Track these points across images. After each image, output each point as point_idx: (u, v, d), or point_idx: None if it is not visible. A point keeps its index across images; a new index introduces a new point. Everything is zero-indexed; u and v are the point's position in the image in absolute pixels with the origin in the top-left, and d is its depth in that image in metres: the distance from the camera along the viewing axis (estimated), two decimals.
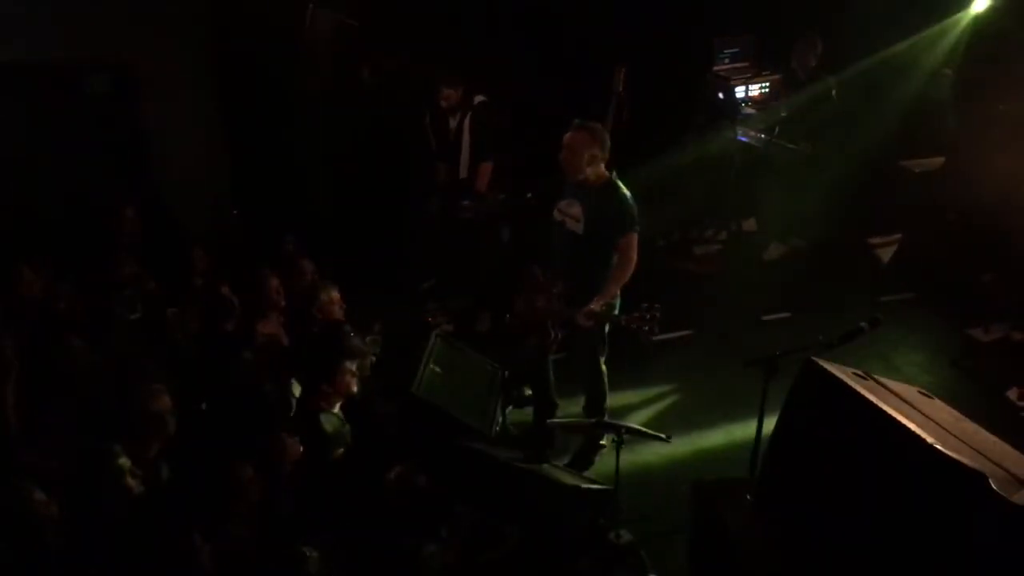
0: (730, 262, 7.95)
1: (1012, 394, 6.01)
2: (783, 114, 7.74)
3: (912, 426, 3.19)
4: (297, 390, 4.82)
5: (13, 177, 6.48)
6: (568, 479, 4.68)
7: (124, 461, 3.87)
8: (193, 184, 7.15)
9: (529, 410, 5.89)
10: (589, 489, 4.57)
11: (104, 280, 5.52)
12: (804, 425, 3.74)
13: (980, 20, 7.64)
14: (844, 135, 7.68)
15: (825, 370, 3.64)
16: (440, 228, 7.26)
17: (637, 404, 6.12)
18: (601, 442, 5.51)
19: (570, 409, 5.82)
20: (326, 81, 7.47)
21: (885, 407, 3.32)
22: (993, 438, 3.42)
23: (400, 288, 7.04)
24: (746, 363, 4.29)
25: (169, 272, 5.76)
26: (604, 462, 5.34)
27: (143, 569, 3.56)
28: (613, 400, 5.70)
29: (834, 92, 7.55)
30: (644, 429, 4.61)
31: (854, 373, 3.67)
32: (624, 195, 5.17)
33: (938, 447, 3.05)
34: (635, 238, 5.16)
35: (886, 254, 8.01)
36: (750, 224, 8.42)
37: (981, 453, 3.16)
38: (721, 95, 8.02)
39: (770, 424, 3.99)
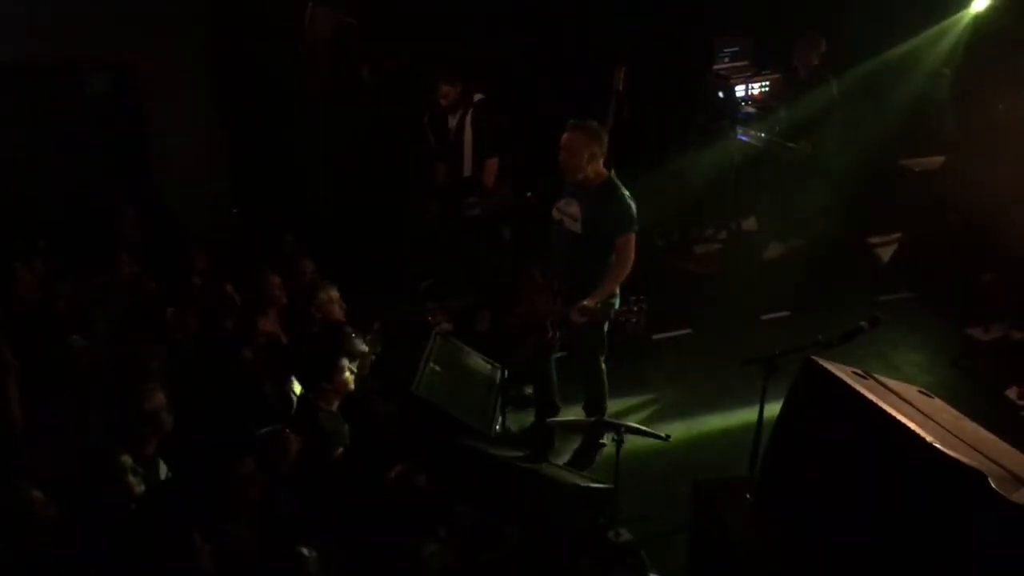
0: (730, 261, 7.96)
1: (1012, 393, 6.02)
2: (783, 113, 7.75)
3: (912, 425, 3.19)
4: (297, 388, 4.83)
5: (13, 177, 6.49)
6: (568, 478, 4.68)
7: (126, 459, 3.87)
8: (193, 184, 7.16)
9: (529, 410, 5.90)
10: (589, 488, 4.56)
11: (104, 280, 5.53)
12: (804, 424, 3.74)
13: (980, 20, 7.65)
14: (844, 134, 7.68)
15: (825, 369, 3.64)
16: (440, 227, 7.26)
17: (637, 403, 6.12)
18: (601, 441, 5.51)
19: (570, 408, 5.82)
20: (326, 81, 7.47)
21: (885, 406, 3.32)
22: (993, 437, 3.42)
23: (400, 287, 7.04)
24: (745, 362, 4.29)
25: (169, 272, 5.76)
26: (604, 461, 5.35)
27: (143, 569, 3.56)
28: (613, 399, 5.70)
29: (835, 91, 7.55)
30: (644, 428, 4.61)
31: (854, 372, 3.67)
32: (623, 195, 5.17)
33: (938, 446, 3.05)
34: (633, 238, 5.16)
35: (886, 253, 8.01)
36: (750, 223, 8.43)
37: (980, 452, 3.16)
38: (721, 94, 8.03)
39: (770, 423, 3.99)
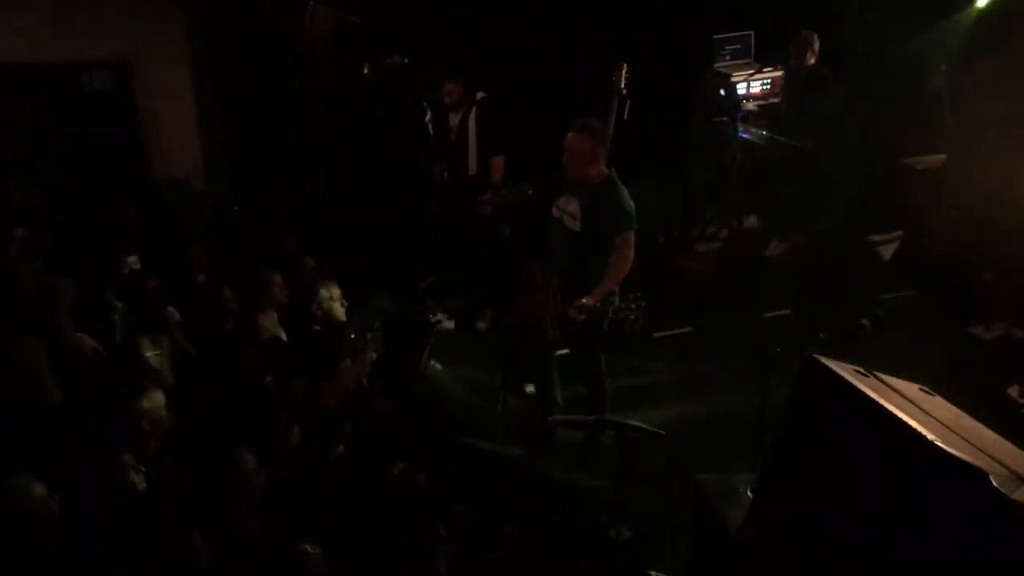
0: (731, 259, 7.95)
1: (1013, 392, 6.00)
2: (784, 111, 7.74)
3: (913, 423, 3.18)
4: (298, 387, 4.82)
5: (13, 177, 6.49)
6: (568, 477, 4.68)
7: (127, 458, 3.87)
8: (193, 183, 7.16)
9: (530, 408, 5.89)
10: (589, 487, 4.56)
11: (104, 279, 5.52)
12: (805, 422, 3.73)
13: (980, 17, 7.63)
14: (845, 132, 7.67)
15: (826, 367, 3.62)
16: (440, 226, 7.26)
17: (637, 401, 6.10)
18: (602, 439, 5.50)
19: (570, 406, 5.81)
20: (326, 81, 7.47)
21: (886, 404, 3.31)
22: (994, 435, 3.40)
23: (400, 286, 7.03)
24: (746, 360, 4.29)
25: (169, 270, 5.76)
26: (604, 460, 5.34)
27: (143, 568, 3.56)
28: (613, 397, 5.70)
29: (835, 89, 7.54)
30: (644, 426, 4.60)
31: (855, 370, 3.65)
32: (622, 193, 5.17)
33: (939, 444, 3.04)
34: (632, 236, 5.15)
35: (887, 252, 8.00)
36: (751, 221, 8.42)
37: (982, 451, 3.15)
38: (722, 92, 8.02)
39: (771, 422, 3.98)
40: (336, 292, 5.51)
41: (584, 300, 4.97)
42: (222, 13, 7.16)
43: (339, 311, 5.47)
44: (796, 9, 7.63)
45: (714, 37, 8.10)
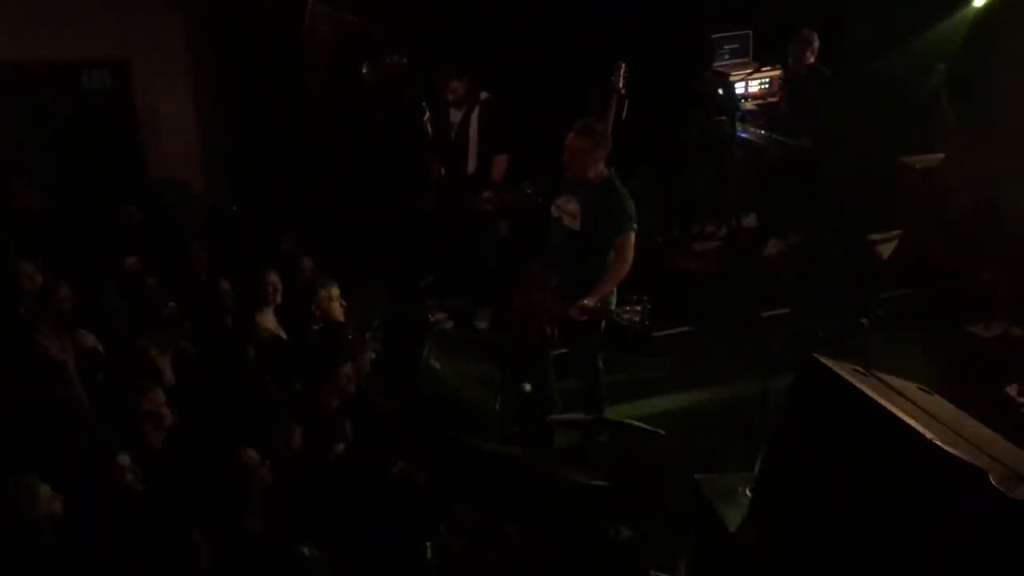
0: (730, 258, 7.94)
1: (1012, 390, 6.01)
2: (783, 110, 7.74)
3: (912, 422, 3.18)
4: (298, 386, 4.83)
5: (12, 176, 6.48)
6: (568, 476, 4.68)
7: (123, 458, 3.87)
8: (192, 183, 7.16)
9: (528, 408, 5.89)
10: (588, 486, 4.56)
11: (104, 279, 5.53)
12: (804, 421, 3.73)
13: (978, 16, 7.63)
14: (844, 131, 7.67)
15: (825, 366, 3.63)
16: (439, 225, 7.26)
17: (636, 401, 6.11)
18: (600, 439, 5.51)
19: (569, 406, 5.81)
20: (326, 80, 7.46)
21: (885, 403, 3.31)
22: (993, 434, 3.41)
23: (399, 285, 7.04)
24: (746, 360, 4.29)
25: (169, 269, 5.77)
26: (603, 459, 5.34)
27: (143, 567, 3.56)
28: (612, 397, 5.70)
29: (834, 88, 7.54)
30: (643, 426, 4.60)
31: (854, 369, 3.66)
32: (622, 193, 5.17)
33: (938, 443, 3.04)
34: (632, 236, 5.15)
35: (886, 250, 7.99)
36: (750, 220, 8.41)
37: (981, 449, 3.15)
38: (721, 91, 8.01)
39: (770, 421, 3.98)
40: (335, 292, 5.50)
41: (585, 301, 4.97)
42: (221, 12, 7.15)
43: (338, 311, 5.47)
44: (795, 8, 7.62)
45: (713, 36, 8.09)
